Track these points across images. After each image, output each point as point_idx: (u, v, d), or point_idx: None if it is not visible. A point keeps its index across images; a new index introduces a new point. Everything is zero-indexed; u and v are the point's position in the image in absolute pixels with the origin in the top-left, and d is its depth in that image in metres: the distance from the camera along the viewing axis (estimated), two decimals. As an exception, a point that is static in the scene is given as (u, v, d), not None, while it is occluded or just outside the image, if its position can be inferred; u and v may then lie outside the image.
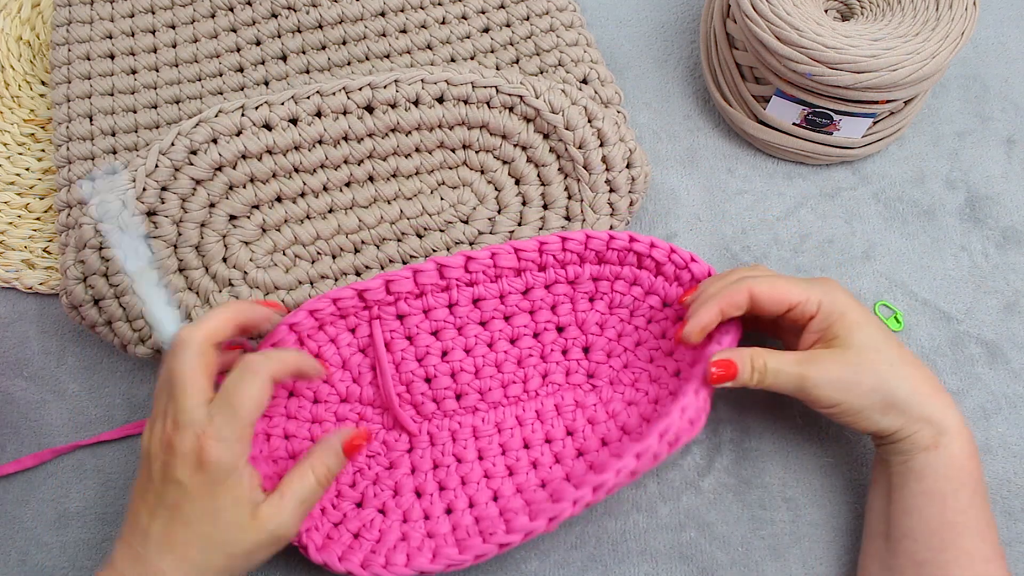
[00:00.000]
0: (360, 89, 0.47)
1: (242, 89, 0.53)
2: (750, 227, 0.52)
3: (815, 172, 0.53)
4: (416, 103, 0.47)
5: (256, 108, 0.46)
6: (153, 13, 0.55)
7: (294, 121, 0.47)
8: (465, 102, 0.47)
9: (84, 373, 0.50)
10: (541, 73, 0.52)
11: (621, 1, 0.60)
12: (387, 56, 0.53)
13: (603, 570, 0.44)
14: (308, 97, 0.47)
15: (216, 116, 0.46)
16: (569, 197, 0.48)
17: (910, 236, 0.51)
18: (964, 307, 0.50)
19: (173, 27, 0.55)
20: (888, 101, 0.48)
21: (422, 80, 0.47)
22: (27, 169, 0.54)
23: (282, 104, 0.46)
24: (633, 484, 0.46)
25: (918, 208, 0.52)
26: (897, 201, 0.52)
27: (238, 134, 0.46)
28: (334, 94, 0.47)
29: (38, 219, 0.53)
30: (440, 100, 0.48)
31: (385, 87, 0.47)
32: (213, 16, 0.55)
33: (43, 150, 0.55)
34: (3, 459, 0.48)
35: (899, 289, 0.50)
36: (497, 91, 0.47)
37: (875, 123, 0.50)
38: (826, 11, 0.51)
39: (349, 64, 0.53)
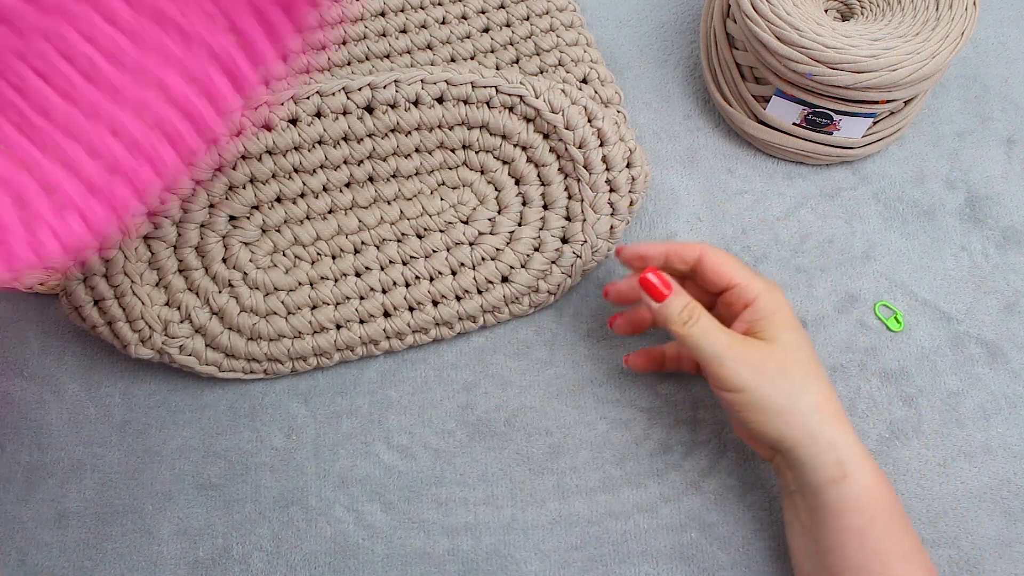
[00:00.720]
0: (360, 89, 0.47)
1: None
2: (750, 227, 0.52)
3: (815, 172, 0.53)
4: (416, 103, 0.47)
5: (256, 108, 0.46)
6: None
7: (294, 121, 0.47)
8: (465, 102, 0.47)
9: (83, 373, 0.50)
10: (541, 73, 0.52)
11: (621, 1, 0.60)
12: (387, 56, 0.53)
13: (604, 571, 0.44)
14: (308, 97, 0.47)
15: None
16: (569, 197, 0.48)
17: (910, 236, 0.51)
18: (964, 307, 0.49)
19: None
20: (888, 101, 0.48)
21: (422, 80, 0.47)
22: (27, 169, 0.54)
23: (281, 104, 0.46)
24: (634, 485, 0.46)
25: (918, 208, 0.52)
26: (897, 201, 0.52)
27: (237, 135, 0.46)
28: (334, 94, 0.47)
29: (38, 219, 0.53)
30: (440, 100, 0.48)
31: (385, 87, 0.47)
32: None
33: (43, 150, 0.55)
34: (2, 459, 0.48)
35: (899, 289, 0.50)
36: (497, 91, 0.47)
37: (875, 123, 0.50)
38: (826, 11, 0.51)
39: (349, 64, 0.53)
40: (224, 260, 0.47)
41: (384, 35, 0.53)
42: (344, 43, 0.53)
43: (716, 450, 0.46)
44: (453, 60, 0.53)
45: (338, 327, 0.48)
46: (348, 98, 0.47)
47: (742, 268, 0.41)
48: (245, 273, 0.47)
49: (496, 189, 0.49)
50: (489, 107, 0.47)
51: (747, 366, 0.38)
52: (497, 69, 0.52)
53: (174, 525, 0.46)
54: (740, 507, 0.45)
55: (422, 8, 0.54)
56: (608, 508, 0.46)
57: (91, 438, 0.48)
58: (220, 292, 0.47)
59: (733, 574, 0.44)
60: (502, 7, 0.54)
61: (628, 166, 0.48)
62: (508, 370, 0.49)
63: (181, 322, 0.46)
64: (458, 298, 0.48)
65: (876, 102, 0.47)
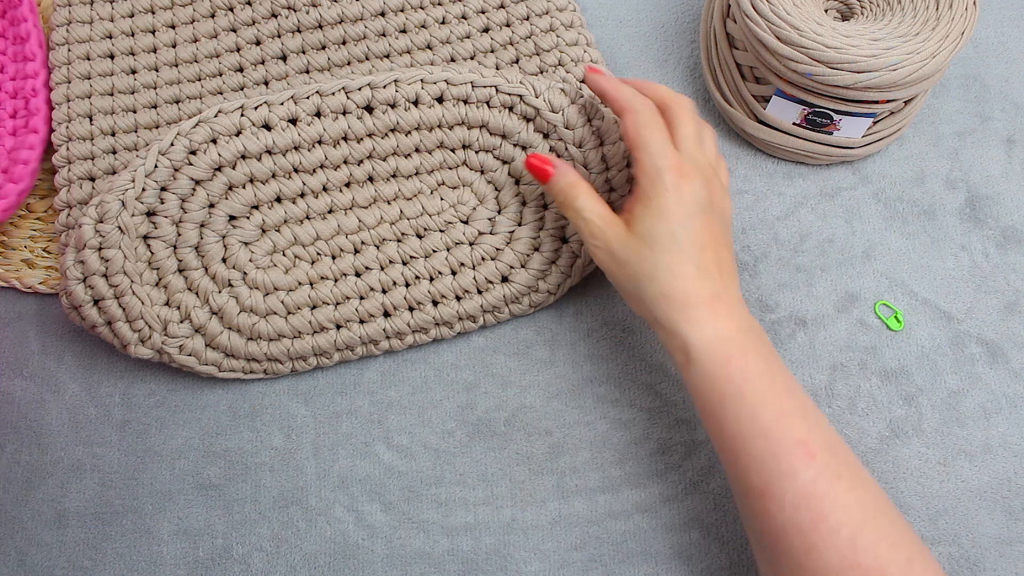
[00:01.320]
0: (359, 89, 0.47)
1: (242, 89, 0.53)
2: (750, 227, 0.52)
3: (815, 172, 0.53)
4: (416, 103, 0.47)
5: (255, 108, 0.46)
6: (153, 13, 0.55)
7: (293, 121, 0.47)
8: (465, 102, 0.47)
9: (83, 372, 0.50)
10: (541, 73, 0.52)
11: (621, 1, 0.60)
12: (387, 56, 0.53)
13: (604, 571, 0.44)
14: (307, 97, 0.47)
15: (215, 116, 0.46)
16: None
17: (910, 236, 0.51)
18: (964, 307, 0.49)
19: (173, 27, 0.55)
20: (888, 101, 0.48)
21: (421, 80, 0.47)
22: (27, 169, 0.54)
23: (281, 104, 0.46)
24: (635, 485, 0.46)
25: (918, 208, 0.52)
26: (897, 201, 0.52)
27: (237, 134, 0.46)
28: (333, 94, 0.47)
29: (38, 219, 0.53)
30: (440, 100, 0.48)
31: (384, 87, 0.47)
32: (213, 16, 0.54)
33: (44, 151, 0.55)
34: (1, 459, 0.48)
35: (899, 289, 0.50)
36: (497, 91, 0.47)
37: (875, 123, 0.50)
38: (826, 11, 0.51)
39: (349, 64, 0.53)
40: (224, 260, 0.47)
41: (384, 35, 0.53)
42: (344, 43, 0.53)
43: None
44: (453, 60, 0.53)
45: (338, 327, 0.48)
46: (348, 98, 0.47)
47: (652, 141, 0.41)
48: (245, 273, 0.47)
49: (496, 189, 0.49)
50: (489, 107, 0.47)
51: (604, 250, 0.41)
52: (497, 69, 0.52)
53: (174, 525, 0.46)
54: (740, 507, 0.45)
55: (421, 8, 0.54)
56: (608, 508, 0.46)
57: (91, 438, 0.48)
58: (220, 292, 0.47)
59: (733, 574, 0.44)
60: (502, 7, 0.54)
61: (628, 165, 0.48)
62: (508, 370, 0.49)
63: (181, 322, 0.46)
64: (458, 298, 0.48)
65: (876, 102, 0.47)
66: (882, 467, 0.46)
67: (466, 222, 0.48)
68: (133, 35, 0.54)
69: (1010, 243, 0.51)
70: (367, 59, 0.53)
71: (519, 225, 0.48)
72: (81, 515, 0.47)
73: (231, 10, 0.54)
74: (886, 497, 0.37)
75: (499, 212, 0.49)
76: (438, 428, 0.48)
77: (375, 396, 0.49)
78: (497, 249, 0.48)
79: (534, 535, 0.45)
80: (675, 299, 0.39)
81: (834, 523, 0.35)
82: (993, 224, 0.51)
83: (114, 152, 0.51)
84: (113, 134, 0.51)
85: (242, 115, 0.46)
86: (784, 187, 0.53)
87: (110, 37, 0.54)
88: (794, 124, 0.51)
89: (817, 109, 0.49)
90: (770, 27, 0.46)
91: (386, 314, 0.48)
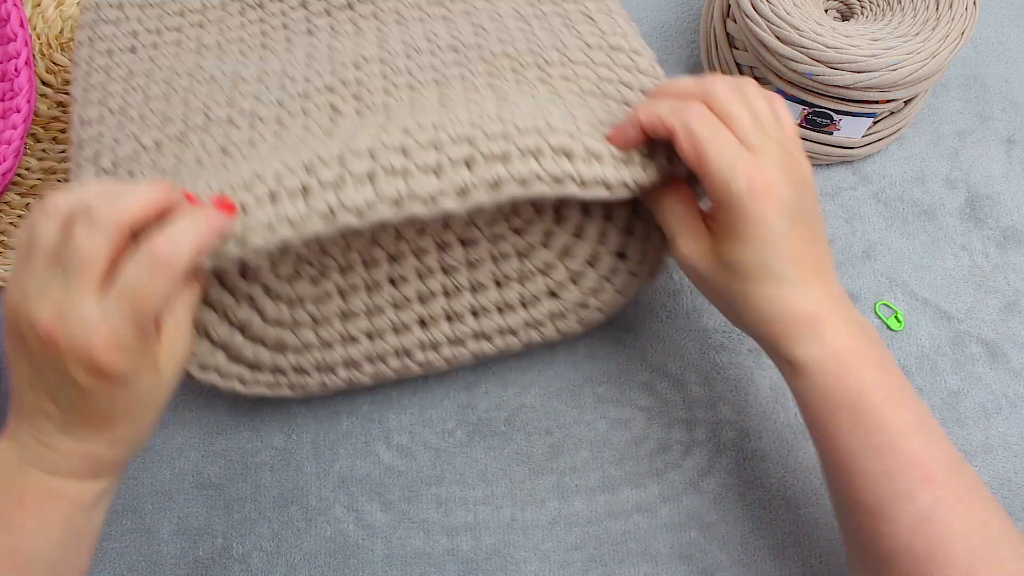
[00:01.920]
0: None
1: (279, 122, 0.44)
2: (750, 227, 0.52)
3: (815, 172, 0.53)
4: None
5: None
6: (182, 16, 0.49)
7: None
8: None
9: (84, 372, 0.50)
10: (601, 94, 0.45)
11: (621, 1, 0.60)
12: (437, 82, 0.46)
13: (604, 570, 0.44)
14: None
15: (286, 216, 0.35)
16: (633, 210, 0.44)
17: (910, 236, 0.51)
18: (964, 307, 0.49)
19: (201, 26, 0.49)
20: (888, 101, 0.48)
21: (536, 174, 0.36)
22: (27, 169, 0.54)
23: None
24: (634, 484, 0.46)
25: (918, 208, 0.52)
26: (897, 201, 0.52)
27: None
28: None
29: (38, 219, 0.53)
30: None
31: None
32: (243, 13, 0.49)
33: (44, 150, 0.55)
34: (3, 458, 0.48)
35: (899, 289, 0.50)
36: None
37: (875, 123, 0.50)
38: (826, 11, 0.51)
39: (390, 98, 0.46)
40: (243, 274, 0.42)
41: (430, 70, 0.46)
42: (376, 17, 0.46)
43: (715, 449, 0.46)
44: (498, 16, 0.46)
45: (370, 337, 0.44)
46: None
47: (714, 159, 0.34)
48: (266, 285, 0.43)
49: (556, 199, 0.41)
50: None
51: (687, 265, 0.38)
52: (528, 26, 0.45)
53: (174, 524, 0.46)
54: (739, 506, 0.45)
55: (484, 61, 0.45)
56: (608, 508, 0.46)
57: (91, 437, 0.48)
58: (239, 305, 0.42)
59: (733, 573, 0.44)
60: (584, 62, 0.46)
61: None
62: (508, 369, 0.49)
63: (199, 339, 0.42)
64: (500, 310, 0.45)
65: (876, 102, 0.47)
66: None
67: (519, 233, 0.44)
68: (159, 33, 0.49)
69: (1010, 243, 0.51)
70: (396, 23, 0.47)
71: (576, 238, 0.44)
72: (81, 514, 0.47)
73: (260, 7, 0.49)
74: (1005, 515, 0.34)
75: (557, 223, 0.44)
76: (438, 427, 0.48)
77: (375, 395, 0.49)
78: (547, 264, 0.45)
79: (534, 535, 0.45)
80: (775, 323, 0.36)
81: (951, 552, 0.32)
82: (993, 224, 0.51)
83: (121, 128, 0.44)
84: (123, 112, 0.44)
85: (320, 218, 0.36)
86: (784, 187, 0.53)
87: (135, 35, 0.49)
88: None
89: (817, 109, 0.49)
90: (770, 27, 0.46)
91: (422, 323, 0.44)
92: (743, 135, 0.35)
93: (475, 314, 0.45)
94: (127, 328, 0.30)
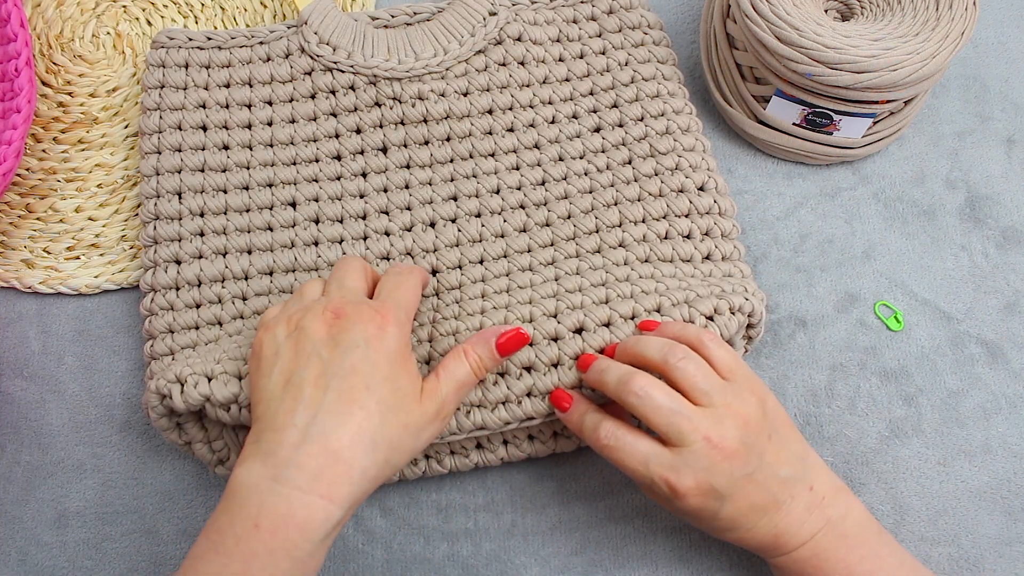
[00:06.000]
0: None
1: (339, 179, 0.49)
2: (750, 227, 0.52)
3: (815, 172, 0.53)
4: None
5: None
6: (250, 86, 0.51)
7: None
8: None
9: (83, 373, 0.50)
10: (656, 175, 0.49)
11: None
12: (492, 155, 0.50)
13: (604, 575, 0.44)
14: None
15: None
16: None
17: (910, 236, 0.51)
18: (964, 307, 0.49)
19: (270, 103, 0.51)
20: (888, 101, 0.48)
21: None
22: (28, 170, 0.54)
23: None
24: (634, 488, 0.46)
25: (918, 208, 0.52)
26: (897, 201, 0.52)
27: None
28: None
29: (38, 219, 0.53)
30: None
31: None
32: (313, 97, 0.51)
33: (44, 151, 0.54)
34: (2, 459, 0.48)
35: (899, 289, 0.50)
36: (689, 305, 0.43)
37: (875, 123, 0.50)
38: (826, 11, 0.51)
39: (452, 161, 0.50)
40: None
41: (490, 133, 0.50)
42: (449, 139, 0.50)
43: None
44: (561, 159, 0.50)
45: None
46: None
47: (671, 413, 0.36)
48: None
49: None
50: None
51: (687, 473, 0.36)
52: (608, 169, 0.50)
53: (175, 525, 0.46)
54: (740, 507, 0.45)
55: (531, 107, 0.51)
56: (608, 512, 0.46)
57: (92, 438, 0.48)
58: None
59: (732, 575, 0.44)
60: (615, 107, 0.51)
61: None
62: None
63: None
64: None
65: (876, 102, 0.47)
66: (882, 467, 0.46)
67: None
68: (228, 107, 0.51)
69: (1010, 243, 0.51)
70: (471, 157, 0.50)
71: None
72: (82, 515, 0.47)
73: (333, 93, 0.51)
74: None
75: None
76: (438, 429, 0.48)
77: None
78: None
79: (534, 540, 0.45)
80: (751, 543, 0.38)
81: None
82: (993, 224, 0.51)
83: (202, 235, 0.48)
84: (202, 215, 0.48)
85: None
86: (784, 187, 0.53)
87: (204, 106, 0.51)
88: (794, 124, 0.51)
89: (817, 109, 0.49)
90: (770, 27, 0.46)
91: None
92: (697, 397, 0.37)
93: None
94: (400, 311, 0.39)
